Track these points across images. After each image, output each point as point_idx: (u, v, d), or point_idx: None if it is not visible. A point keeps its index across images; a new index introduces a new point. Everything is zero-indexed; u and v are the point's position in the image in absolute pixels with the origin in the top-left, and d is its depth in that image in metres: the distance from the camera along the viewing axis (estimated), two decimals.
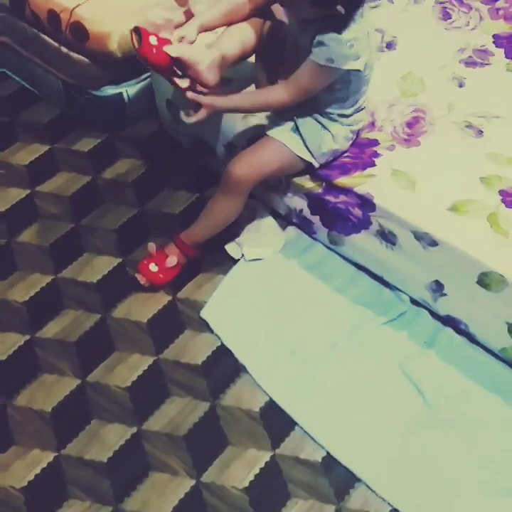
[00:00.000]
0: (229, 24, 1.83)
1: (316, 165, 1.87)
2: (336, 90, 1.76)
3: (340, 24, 1.63)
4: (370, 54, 1.74)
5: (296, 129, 1.84)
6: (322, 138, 1.83)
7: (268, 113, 1.93)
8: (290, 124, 1.85)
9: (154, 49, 1.67)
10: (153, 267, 1.94)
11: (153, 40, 1.67)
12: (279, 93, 1.76)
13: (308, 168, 1.90)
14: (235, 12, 1.81)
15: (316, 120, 1.83)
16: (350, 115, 1.83)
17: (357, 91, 1.79)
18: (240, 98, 1.83)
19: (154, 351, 1.84)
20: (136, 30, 1.68)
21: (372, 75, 1.81)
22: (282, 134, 1.85)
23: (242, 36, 1.82)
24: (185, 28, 1.74)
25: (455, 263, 1.71)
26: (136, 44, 1.69)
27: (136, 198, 2.18)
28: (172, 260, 1.93)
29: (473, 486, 1.61)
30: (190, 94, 1.73)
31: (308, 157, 1.85)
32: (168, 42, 1.69)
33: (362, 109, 1.86)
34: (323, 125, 1.83)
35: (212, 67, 1.73)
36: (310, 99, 1.77)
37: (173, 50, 1.67)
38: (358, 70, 1.70)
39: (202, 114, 1.75)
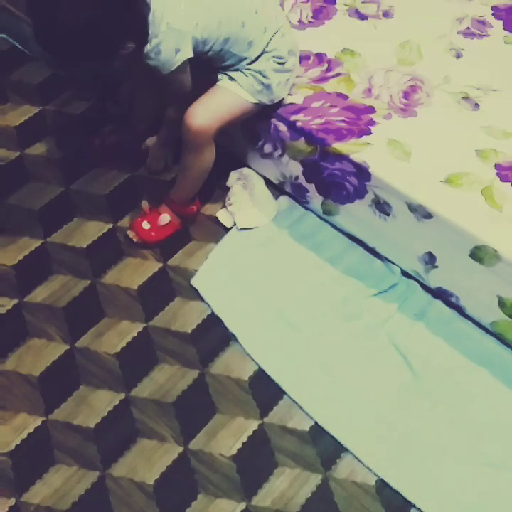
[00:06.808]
0: None
1: (269, 102, 1.86)
2: (217, 58, 1.77)
3: (142, 45, 1.64)
4: (204, 19, 1.67)
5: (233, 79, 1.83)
6: (255, 80, 1.81)
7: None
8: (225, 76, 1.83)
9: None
10: (145, 225, 1.94)
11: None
12: (176, 114, 1.83)
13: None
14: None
15: (238, 71, 1.81)
16: (261, 54, 1.79)
17: (237, 41, 1.74)
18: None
19: (144, 318, 1.83)
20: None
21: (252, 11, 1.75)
22: (229, 82, 1.82)
23: None
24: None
25: (448, 236, 1.70)
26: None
27: (128, 163, 2.15)
28: (164, 218, 1.94)
29: (458, 456, 1.63)
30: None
31: (261, 99, 1.84)
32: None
33: (270, 40, 1.79)
34: (244, 74, 1.81)
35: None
36: (209, 65, 1.79)
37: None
38: (189, 58, 1.69)
39: None
